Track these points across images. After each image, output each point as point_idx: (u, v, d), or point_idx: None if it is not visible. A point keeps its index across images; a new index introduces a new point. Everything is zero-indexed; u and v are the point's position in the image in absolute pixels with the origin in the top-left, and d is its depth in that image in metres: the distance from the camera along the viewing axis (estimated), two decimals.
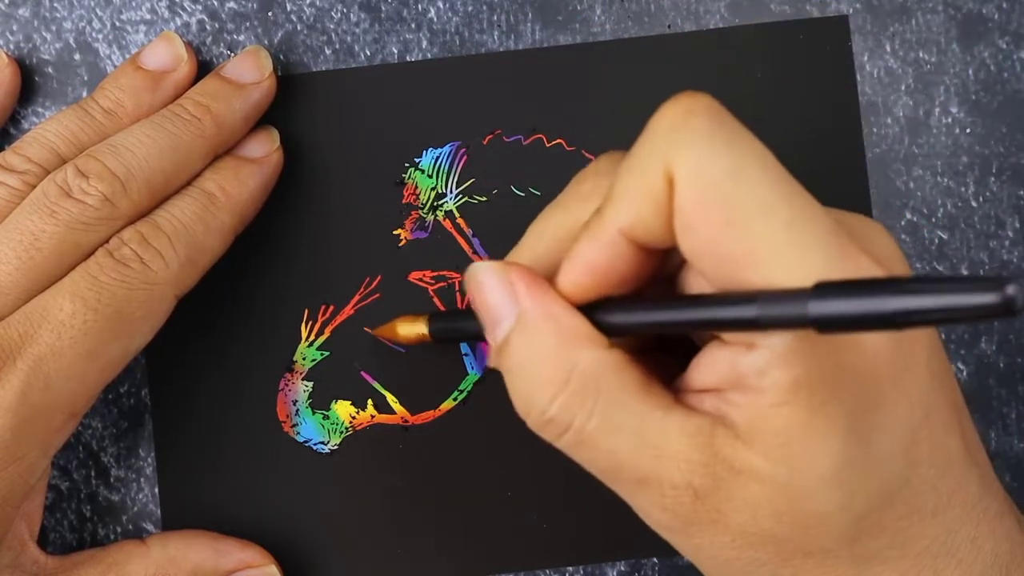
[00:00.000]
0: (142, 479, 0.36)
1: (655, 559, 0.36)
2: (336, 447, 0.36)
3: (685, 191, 0.24)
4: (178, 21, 0.36)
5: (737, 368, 0.24)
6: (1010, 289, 0.19)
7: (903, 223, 0.36)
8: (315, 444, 0.36)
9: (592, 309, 0.26)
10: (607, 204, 0.26)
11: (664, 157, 0.24)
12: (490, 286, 0.27)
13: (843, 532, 0.25)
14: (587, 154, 0.36)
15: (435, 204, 0.36)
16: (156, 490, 0.36)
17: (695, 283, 0.27)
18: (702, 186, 0.24)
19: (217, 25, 0.36)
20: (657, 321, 0.25)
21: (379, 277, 0.36)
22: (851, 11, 0.36)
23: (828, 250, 0.23)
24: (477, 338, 0.31)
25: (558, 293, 0.27)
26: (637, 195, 0.25)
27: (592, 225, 0.26)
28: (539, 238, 0.29)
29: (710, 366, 0.25)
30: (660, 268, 0.27)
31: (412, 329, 0.33)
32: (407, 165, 0.36)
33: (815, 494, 0.24)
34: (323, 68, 0.36)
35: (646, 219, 0.25)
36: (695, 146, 0.24)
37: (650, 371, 0.26)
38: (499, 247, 0.36)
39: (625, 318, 0.26)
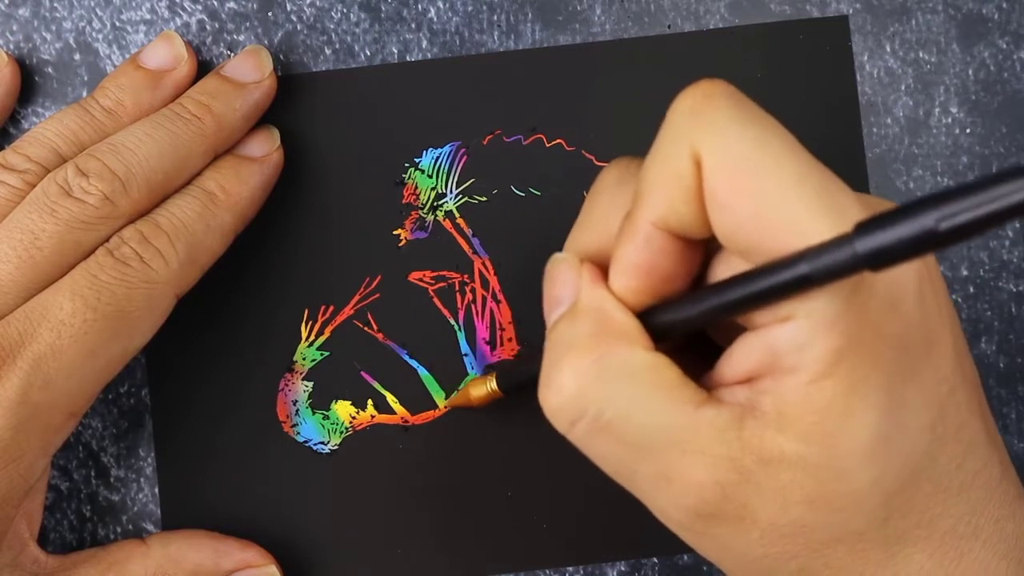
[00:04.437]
0: (142, 479, 0.36)
1: (655, 559, 0.36)
2: (336, 447, 0.36)
3: (715, 169, 0.24)
4: (178, 21, 0.36)
5: (773, 348, 0.24)
6: None
7: None
8: (315, 444, 0.36)
9: (644, 315, 0.26)
10: (637, 200, 0.26)
11: (689, 140, 0.24)
12: (560, 276, 0.28)
13: (875, 512, 0.25)
14: (587, 154, 0.36)
15: (435, 204, 0.36)
16: (156, 490, 0.36)
17: (726, 272, 0.26)
18: (731, 162, 0.24)
19: (217, 25, 0.36)
20: (708, 309, 0.25)
21: (379, 277, 0.36)
22: (851, 11, 0.36)
23: (863, 213, 0.23)
24: None
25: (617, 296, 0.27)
26: (666, 183, 0.25)
27: (626, 226, 0.26)
28: None
29: (742, 354, 0.25)
30: (704, 263, 0.27)
31: (483, 389, 0.34)
32: (407, 165, 0.36)
33: (850, 472, 0.24)
34: (323, 68, 0.36)
35: (677, 206, 0.25)
36: (719, 125, 0.24)
37: (685, 370, 0.26)
38: (499, 247, 0.36)
39: (676, 315, 0.26)
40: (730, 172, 0.24)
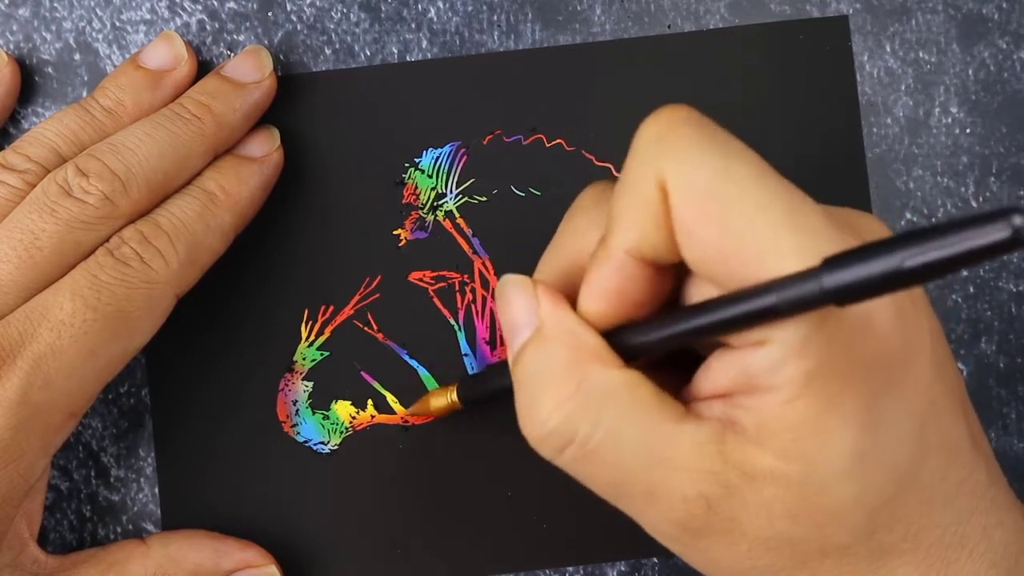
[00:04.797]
0: (142, 479, 0.36)
1: (655, 559, 0.36)
2: (336, 447, 0.36)
3: (680, 198, 0.24)
4: (178, 21, 0.36)
5: (747, 369, 0.24)
6: (1017, 219, 0.18)
7: (903, 223, 0.36)
8: (315, 444, 0.36)
9: (612, 335, 0.26)
10: (610, 228, 0.26)
11: (654, 169, 0.24)
12: (515, 299, 0.27)
13: (859, 526, 0.25)
14: (587, 154, 0.36)
15: (435, 204, 0.36)
16: (156, 490, 0.36)
17: (699, 295, 0.26)
18: (695, 190, 0.24)
19: (217, 25, 0.36)
20: (677, 333, 0.25)
21: (379, 277, 0.36)
22: (851, 11, 0.36)
23: (830, 237, 0.23)
24: (504, 394, 0.31)
25: (579, 315, 0.27)
26: (636, 213, 0.25)
27: (599, 253, 0.26)
28: (545, 280, 0.29)
29: (718, 371, 0.25)
30: (674, 285, 0.27)
31: (443, 400, 0.34)
32: (407, 165, 0.36)
33: (831, 488, 0.24)
34: (323, 68, 0.36)
35: (649, 235, 0.25)
36: (682, 153, 0.24)
37: (661, 384, 0.26)
38: (499, 247, 0.36)
39: (644, 338, 0.26)
40: (695, 200, 0.24)
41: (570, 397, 0.25)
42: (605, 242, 0.26)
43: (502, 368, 0.30)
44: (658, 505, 0.25)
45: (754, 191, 0.23)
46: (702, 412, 0.25)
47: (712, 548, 0.26)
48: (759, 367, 0.24)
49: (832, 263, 0.21)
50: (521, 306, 0.27)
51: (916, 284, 0.20)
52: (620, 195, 0.25)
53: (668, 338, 0.25)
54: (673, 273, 0.26)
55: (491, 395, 0.33)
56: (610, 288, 0.26)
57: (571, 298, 0.27)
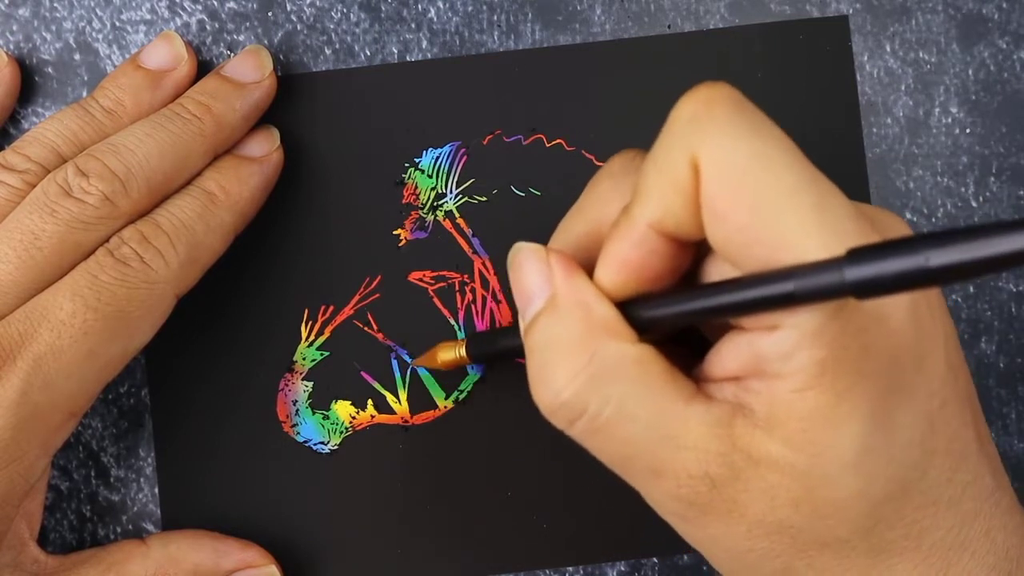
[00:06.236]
0: (142, 479, 0.36)
1: (655, 559, 0.36)
2: (336, 447, 0.36)
3: (711, 179, 0.24)
4: (178, 21, 0.36)
5: (759, 354, 0.24)
6: None
7: None
8: (315, 444, 0.36)
9: (626, 305, 0.26)
10: (635, 200, 0.26)
11: (688, 147, 0.24)
12: (528, 267, 0.27)
13: (860, 521, 0.25)
14: (587, 154, 0.36)
15: (435, 204, 0.36)
16: (156, 490, 0.36)
17: (718, 274, 0.26)
18: (728, 173, 0.24)
19: (217, 25, 0.36)
20: (693, 309, 0.25)
21: (379, 277, 0.36)
22: (851, 11, 0.36)
23: (857, 235, 0.23)
24: (512, 355, 0.31)
25: (594, 285, 0.27)
26: (664, 188, 0.25)
27: (622, 223, 0.26)
28: (562, 245, 0.29)
29: (730, 354, 0.25)
30: (692, 262, 0.27)
31: (451, 353, 0.34)
32: (407, 165, 0.36)
33: (835, 481, 0.24)
34: (323, 68, 0.36)
35: (675, 211, 0.25)
36: (718, 134, 0.24)
37: (673, 360, 0.26)
38: (499, 247, 0.36)
39: (660, 311, 0.26)
40: (727, 182, 0.24)
41: (582, 369, 0.25)
42: (629, 213, 0.26)
43: (511, 329, 0.30)
44: (663, 481, 0.26)
45: (786, 179, 0.23)
46: (713, 393, 0.26)
47: (712, 526, 0.26)
48: (771, 352, 0.24)
49: (856, 255, 0.21)
50: (534, 274, 0.27)
51: (938, 285, 0.20)
52: (650, 168, 0.25)
53: (683, 313, 0.25)
54: (692, 250, 0.26)
55: (499, 354, 0.33)
56: (629, 260, 0.26)
57: (586, 264, 0.27)
